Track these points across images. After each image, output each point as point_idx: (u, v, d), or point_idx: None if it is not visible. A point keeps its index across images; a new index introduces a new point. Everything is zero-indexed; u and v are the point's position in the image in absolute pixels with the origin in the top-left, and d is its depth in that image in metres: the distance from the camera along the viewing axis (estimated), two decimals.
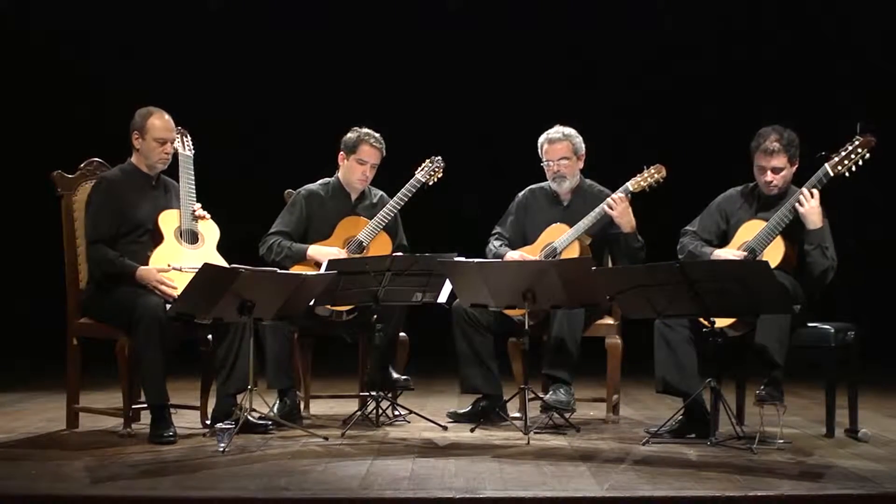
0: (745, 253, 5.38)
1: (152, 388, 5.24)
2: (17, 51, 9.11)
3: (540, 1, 9.29)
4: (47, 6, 9.09)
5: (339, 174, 6.12)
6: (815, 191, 5.33)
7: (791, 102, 8.56)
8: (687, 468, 4.59)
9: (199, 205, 5.59)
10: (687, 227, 5.70)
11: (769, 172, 5.46)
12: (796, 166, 5.50)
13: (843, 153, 5.33)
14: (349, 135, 6.06)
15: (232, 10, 9.25)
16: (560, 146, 6.00)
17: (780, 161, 5.45)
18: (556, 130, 6.04)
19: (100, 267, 5.44)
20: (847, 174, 5.33)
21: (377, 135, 6.05)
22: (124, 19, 9.08)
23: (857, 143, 5.32)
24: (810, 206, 5.31)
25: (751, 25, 9.19)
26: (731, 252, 5.43)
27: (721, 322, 5.16)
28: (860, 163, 5.31)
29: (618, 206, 5.79)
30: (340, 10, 9.30)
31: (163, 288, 5.31)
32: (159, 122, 5.53)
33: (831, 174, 5.33)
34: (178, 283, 5.26)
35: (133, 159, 5.58)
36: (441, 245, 5.85)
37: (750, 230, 5.44)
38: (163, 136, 5.53)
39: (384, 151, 6.04)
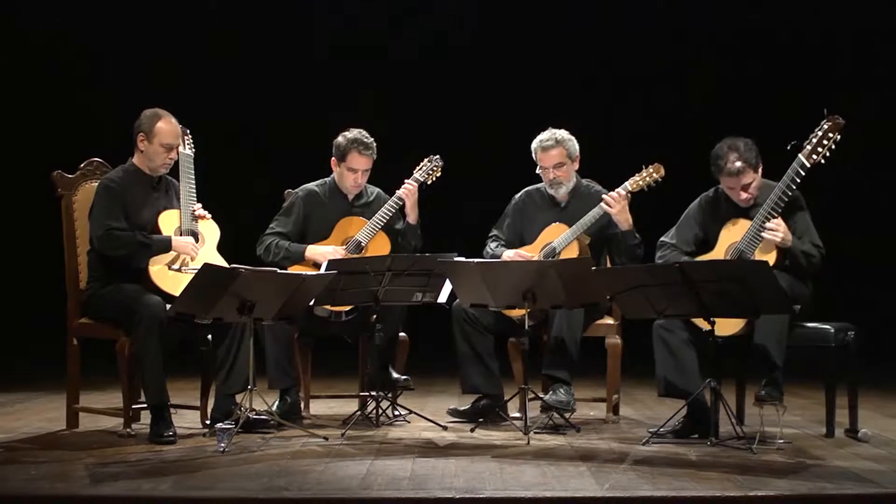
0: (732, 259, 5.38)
1: (152, 388, 5.24)
2: (17, 50, 9.10)
3: (540, 1, 9.29)
4: (47, 6, 9.09)
5: (334, 176, 6.12)
6: (775, 215, 5.30)
7: (790, 101, 8.58)
8: (687, 468, 4.59)
9: (199, 205, 5.59)
10: (664, 239, 5.66)
11: (739, 191, 5.43)
12: (761, 167, 5.46)
13: (815, 140, 5.28)
14: (339, 140, 6.01)
15: (232, 9, 9.25)
16: (554, 153, 5.96)
17: (748, 177, 5.40)
18: (549, 136, 5.98)
19: (126, 248, 5.35)
20: (823, 161, 5.29)
21: (367, 140, 5.98)
22: (124, 19, 9.07)
23: (826, 127, 5.29)
24: (782, 234, 5.28)
25: (749, 24, 9.19)
26: None
27: (721, 331, 5.13)
28: (833, 147, 5.28)
29: (616, 204, 5.78)
30: (340, 9, 9.29)
31: (192, 251, 5.44)
32: (167, 126, 5.50)
33: (807, 165, 5.28)
34: (178, 284, 5.26)
35: (135, 160, 5.56)
36: (441, 245, 5.85)
37: (735, 232, 5.42)
38: (170, 142, 5.51)
39: (375, 154, 6.00)
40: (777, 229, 5.28)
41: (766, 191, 5.41)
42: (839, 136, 5.27)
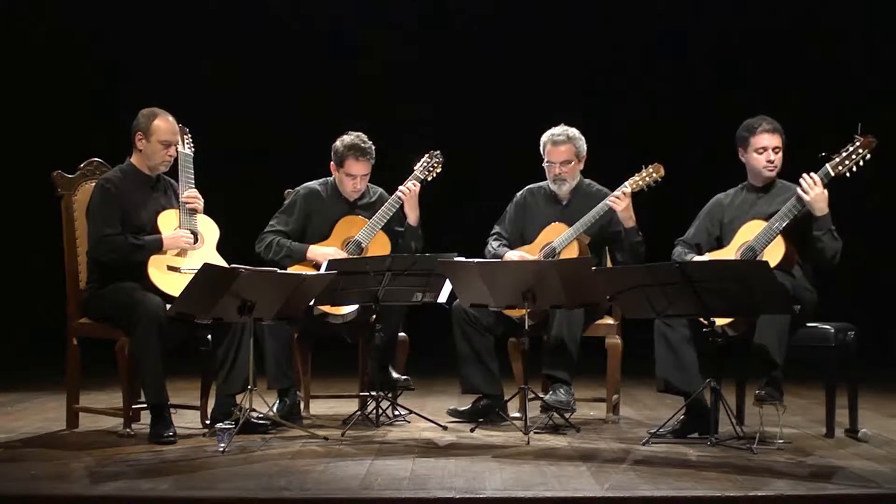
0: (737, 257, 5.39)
1: (152, 387, 5.24)
2: (17, 50, 9.10)
3: (541, 1, 9.29)
4: (48, 6, 9.09)
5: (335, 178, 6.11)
6: (817, 177, 5.33)
7: (791, 102, 8.58)
8: (687, 468, 4.59)
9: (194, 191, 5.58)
10: (678, 239, 5.71)
11: (771, 151, 5.51)
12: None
13: (844, 154, 5.33)
14: (337, 145, 5.99)
15: (231, 8, 9.24)
16: (563, 149, 5.98)
17: (779, 140, 5.53)
18: (561, 132, 6.01)
19: (117, 253, 5.36)
20: (848, 174, 5.33)
21: (364, 145, 5.95)
22: (124, 19, 9.07)
23: (857, 143, 5.32)
24: (816, 193, 5.31)
25: (750, 25, 9.18)
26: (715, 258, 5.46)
27: (721, 320, 5.16)
28: (861, 163, 5.32)
29: (622, 202, 5.79)
30: (340, 8, 9.29)
31: (185, 243, 5.44)
32: (165, 124, 5.51)
33: (832, 174, 5.33)
34: (177, 284, 5.26)
35: (133, 160, 5.57)
36: (441, 245, 5.84)
37: (750, 230, 5.44)
38: (168, 139, 5.51)
39: (374, 158, 5.98)
40: (812, 187, 5.29)
41: (781, 190, 5.45)
42: (869, 155, 5.31)
